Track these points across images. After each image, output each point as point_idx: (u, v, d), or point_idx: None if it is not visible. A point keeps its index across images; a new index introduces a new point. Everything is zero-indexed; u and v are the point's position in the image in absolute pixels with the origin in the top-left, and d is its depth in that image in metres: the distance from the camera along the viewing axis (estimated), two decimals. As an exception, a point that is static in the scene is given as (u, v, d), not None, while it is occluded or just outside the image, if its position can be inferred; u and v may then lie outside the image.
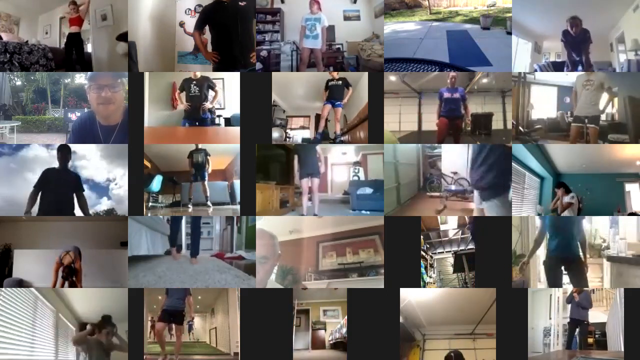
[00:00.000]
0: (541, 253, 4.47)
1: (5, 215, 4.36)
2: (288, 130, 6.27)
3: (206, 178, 5.30)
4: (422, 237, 4.34)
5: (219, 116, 5.68)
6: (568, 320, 4.44)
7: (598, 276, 4.58)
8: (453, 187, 5.56)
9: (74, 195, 4.42)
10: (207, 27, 4.92)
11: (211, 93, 5.39)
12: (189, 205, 5.33)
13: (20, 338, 4.13)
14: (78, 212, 4.41)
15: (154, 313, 4.69)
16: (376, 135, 4.34)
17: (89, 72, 4.55)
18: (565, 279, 4.40)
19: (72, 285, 4.25)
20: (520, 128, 4.86)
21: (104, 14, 5.15)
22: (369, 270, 4.56)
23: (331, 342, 4.74)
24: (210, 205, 5.36)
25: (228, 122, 5.55)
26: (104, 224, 4.52)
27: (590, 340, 4.42)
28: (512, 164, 4.29)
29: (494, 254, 4.20)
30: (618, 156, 4.63)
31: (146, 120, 4.56)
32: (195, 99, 5.30)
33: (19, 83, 5.23)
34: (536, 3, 4.66)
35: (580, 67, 4.67)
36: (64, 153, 4.44)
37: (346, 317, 4.24)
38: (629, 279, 4.33)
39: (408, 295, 4.25)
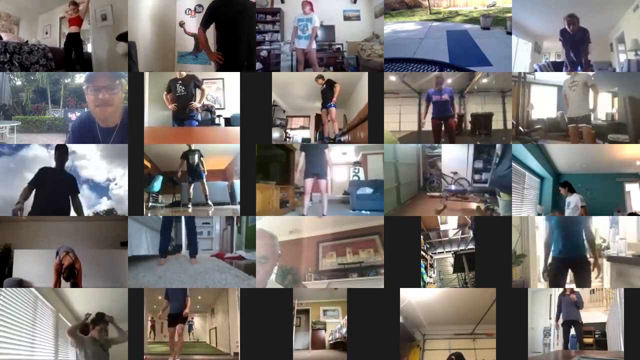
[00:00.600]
0: (542, 253, 4.47)
1: (5, 215, 4.36)
2: (288, 130, 6.27)
3: (204, 177, 5.29)
4: (422, 237, 4.34)
5: (219, 116, 5.67)
6: (562, 322, 4.44)
7: (601, 276, 4.58)
8: (453, 187, 5.56)
9: (69, 196, 4.41)
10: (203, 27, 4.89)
11: (198, 92, 5.34)
12: (189, 206, 5.33)
13: (20, 338, 4.13)
14: (73, 213, 4.39)
15: (154, 313, 4.70)
16: (376, 135, 4.34)
17: (86, 73, 4.54)
18: (569, 279, 4.40)
19: (74, 285, 4.24)
20: (520, 128, 4.86)
21: (104, 14, 5.15)
22: (369, 270, 4.55)
23: (331, 342, 4.74)
24: (211, 204, 5.36)
25: (228, 122, 5.54)
26: (104, 224, 4.52)
27: (589, 340, 4.42)
28: (512, 164, 4.29)
29: (494, 254, 4.20)
30: (618, 156, 4.63)
31: (146, 120, 4.56)
32: (182, 98, 5.26)
33: (19, 83, 5.23)
34: (536, 3, 4.66)
35: (579, 68, 4.67)
36: (62, 153, 4.42)
37: (346, 317, 4.24)
38: (629, 279, 4.33)
39: (408, 295, 4.25)
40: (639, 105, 4.50)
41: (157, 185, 5.30)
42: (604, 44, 4.93)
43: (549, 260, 4.44)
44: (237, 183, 4.39)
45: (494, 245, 4.21)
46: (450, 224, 4.80)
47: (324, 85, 5.20)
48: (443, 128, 5.01)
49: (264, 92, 4.35)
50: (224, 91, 5.78)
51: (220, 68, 4.81)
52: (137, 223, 4.51)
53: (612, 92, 4.74)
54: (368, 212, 4.92)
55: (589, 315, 4.44)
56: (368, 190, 5.21)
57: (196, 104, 5.31)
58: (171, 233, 4.77)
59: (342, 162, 6.04)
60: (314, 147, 5.25)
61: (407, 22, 5.86)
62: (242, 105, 4.33)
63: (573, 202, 4.56)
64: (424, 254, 4.48)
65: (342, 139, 5.80)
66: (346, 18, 5.96)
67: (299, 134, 6.29)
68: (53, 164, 4.43)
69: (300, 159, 5.17)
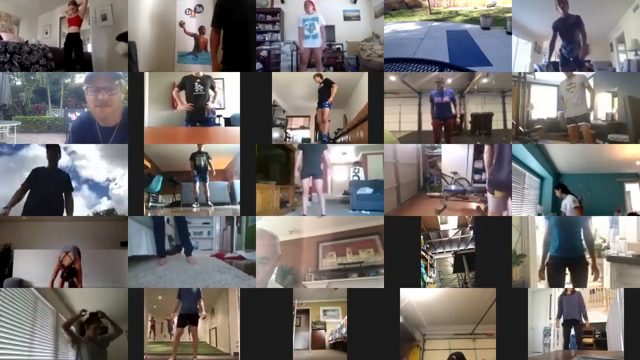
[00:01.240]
0: (541, 253, 4.47)
1: (5, 215, 4.36)
2: (288, 130, 6.27)
3: (207, 180, 5.33)
4: (422, 237, 4.34)
5: (219, 116, 5.68)
6: (562, 321, 4.44)
7: (600, 277, 4.58)
8: (453, 187, 5.56)
9: (63, 195, 4.40)
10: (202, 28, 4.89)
11: (211, 93, 5.34)
12: (194, 205, 5.35)
13: (20, 338, 4.13)
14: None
15: (154, 313, 4.70)
16: (376, 135, 4.34)
17: (86, 74, 4.54)
18: (567, 278, 4.39)
19: (73, 285, 4.25)
20: (520, 128, 4.86)
21: (104, 14, 5.15)
22: (369, 270, 4.55)
23: (331, 342, 4.74)
24: (212, 205, 5.36)
25: (228, 122, 5.55)
26: (104, 224, 4.52)
27: (589, 340, 4.42)
28: (512, 164, 4.29)
29: (494, 254, 4.20)
30: (618, 156, 4.63)
31: (146, 120, 4.56)
32: (200, 98, 5.22)
33: (19, 83, 5.23)
34: (536, 3, 4.66)
35: (575, 52, 4.64)
36: (53, 152, 4.41)
37: (346, 317, 4.24)
38: (629, 279, 4.33)
39: (408, 295, 4.25)
40: (639, 105, 4.50)
41: (156, 184, 5.31)
42: (604, 44, 4.93)
43: (547, 260, 4.44)
44: (237, 183, 4.39)
45: (494, 245, 4.21)
46: (450, 224, 4.80)
47: (322, 84, 5.19)
48: (443, 128, 5.02)
49: (264, 92, 4.34)
50: (224, 91, 5.78)
51: (226, 68, 4.78)
52: (137, 223, 4.51)
53: (612, 92, 4.74)
54: (368, 212, 4.92)
55: (589, 315, 4.43)
56: (368, 190, 5.21)
57: (211, 104, 5.27)
58: (164, 233, 4.76)
59: (342, 162, 6.04)
60: (310, 147, 5.25)
61: (407, 22, 5.86)
62: (242, 105, 4.33)
63: (567, 204, 4.57)
64: (424, 254, 4.48)
65: (342, 139, 5.81)
66: (346, 18, 5.96)
67: (299, 134, 6.29)
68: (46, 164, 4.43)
69: (297, 158, 5.18)
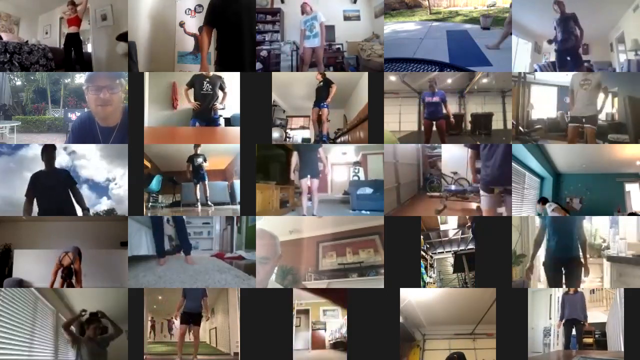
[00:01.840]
0: (542, 253, 4.47)
1: (5, 215, 4.36)
2: (288, 130, 6.27)
3: (206, 179, 5.32)
4: (422, 237, 4.34)
5: (219, 116, 5.68)
6: (564, 321, 4.44)
7: (598, 276, 4.58)
8: (453, 187, 5.56)
9: (69, 191, 4.39)
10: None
11: (220, 93, 5.29)
12: (196, 206, 5.35)
13: (20, 338, 4.13)
14: (77, 208, 4.38)
15: (154, 313, 4.69)
16: (376, 135, 4.34)
17: (87, 73, 4.53)
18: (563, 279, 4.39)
19: (71, 286, 4.24)
20: (520, 128, 4.86)
21: (104, 14, 5.15)
22: (369, 270, 4.55)
23: (331, 342, 4.74)
24: (212, 205, 5.37)
25: (228, 122, 5.54)
26: (104, 224, 4.52)
27: (589, 340, 4.42)
28: (512, 164, 4.29)
29: (494, 254, 4.20)
30: (618, 156, 4.62)
31: (146, 120, 4.56)
32: (208, 97, 5.17)
33: (19, 83, 5.23)
34: (536, 3, 4.66)
35: (571, 43, 4.64)
36: (49, 153, 4.39)
37: (346, 317, 4.24)
38: (629, 279, 4.33)
39: (408, 295, 4.25)
40: (639, 105, 4.50)
41: (155, 184, 5.31)
42: (604, 44, 4.93)
43: (542, 260, 4.44)
44: (237, 183, 4.38)
45: (494, 245, 4.21)
46: (450, 224, 4.80)
47: (321, 83, 5.18)
48: (432, 128, 5.05)
49: (264, 92, 4.34)
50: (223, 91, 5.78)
51: (220, 68, 4.78)
52: (137, 223, 4.51)
53: (612, 92, 4.73)
54: (368, 212, 4.92)
55: (589, 315, 4.43)
56: (368, 190, 5.21)
57: (219, 105, 5.24)
58: (164, 233, 4.76)
59: (342, 162, 6.04)
60: (307, 148, 5.25)
61: (407, 22, 5.86)
62: (242, 105, 4.33)
63: (547, 210, 4.57)
64: (424, 254, 4.48)
65: (342, 139, 5.81)
66: (346, 18, 5.96)
67: (299, 134, 6.30)
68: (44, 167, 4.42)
69: (293, 159, 5.18)
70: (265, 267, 4.00)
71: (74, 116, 5.06)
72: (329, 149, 5.86)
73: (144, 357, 4.27)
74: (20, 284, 4.32)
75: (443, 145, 5.36)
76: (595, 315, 4.46)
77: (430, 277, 4.66)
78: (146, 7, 5.43)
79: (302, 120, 6.42)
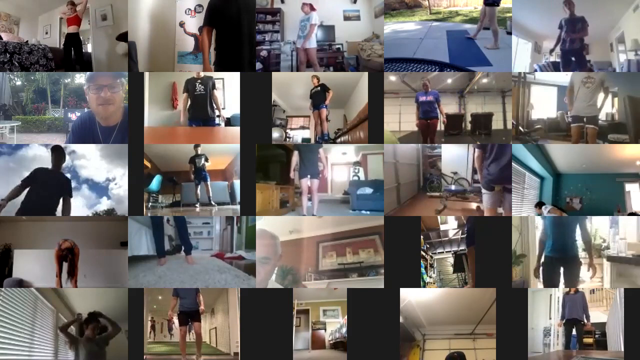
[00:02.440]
0: (537, 252, 4.47)
1: (5, 215, 4.36)
2: (288, 130, 6.28)
3: (208, 179, 5.33)
4: (422, 237, 4.34)
5: (218, 116, 5.68)
6: (564, 321, 4.44)
7: (598, 276, 4.58)
8: (453, 187, 5.56)
9: (61, 198, 4.38)
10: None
11: (215, 93, 5.31)
12: (196, 206, 5.35)
13: (20, 338, 4.13)
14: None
15: (154, 313, 4.70)
16: (376, 135, 4.33)
17: (88, 73, 4.54)
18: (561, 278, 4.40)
19: (72, 265, 4.25)
20: (520, 128, 4.86)
21: (104, 14, 5.15)
22: (369, 270, 4.55)
23: (331, 342, 4.74)
24: (215, 204, 5.37)
25: (228, 122, 5.55)
26: (104, 224, 4.52)
27: (589, 340, 4.42)
28: (512, 164, 4.29)
29: (494, 254, 4.20)
30: (618, 156, 4.62)
31: (146, 120, 4.56)
32: (201, 98, 5.21)
33: (19, 83, 5.23)
34: (536, 3, 4.67)
35: (576, 45, 4.63)
36: (58, 154, 4.40)
37: (346, 317, 4.24)
38: (629, 279, 4.33)
39: (408, 295, 4.25)
40: (639, 105, 4.50)
41: (155, 184, 5.31)
42: (604, 44, 4.93)
43: (542, 259, 4.44)
44: (237, 183, 4.38)
45: (494, 245, 4.21)
46: (450, 224, 4.80)
47: (318, 88, 5.19)
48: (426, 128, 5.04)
49: (264, 92, 4.34)
50: (224, 91, 5.79)
51: (218, 68, 4.78)
52: (137, 223, 4.51)
53: (612, 92, 4.73)
54: (368, 212, 4.92)
55: (586, 315, 4.44)
56: (368, 190, 5.21)
57: (216, 112, 5.27)
58: (163, 232, 4.76)
59: (342, 162, 6.04)
60: (308, 148, 5.26)
61: (407, 22, 5.86)
62: (242, 105, 4.33)
63: (544, 212, 4.57)
64: (424, 254, 4.48)
65: (342, 139, 5.80)
66: (346, 18, 5.96)
67: (299, 134, 6.30)
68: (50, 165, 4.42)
69: (293, 158, 5.18)
70: (265, 267, 4.01)
71: (74, 116, 5.06)
72: (329, 149, 5.86)
73: (144, 357, 4.27)
74: (20, 284, 4.32)
75: (443, 145, 5.36)
76: (595, 315, 4.46)
77: (430, 277, 4.66)
78: (146, 7, 5.43)
79: (302, 120, 6.42)
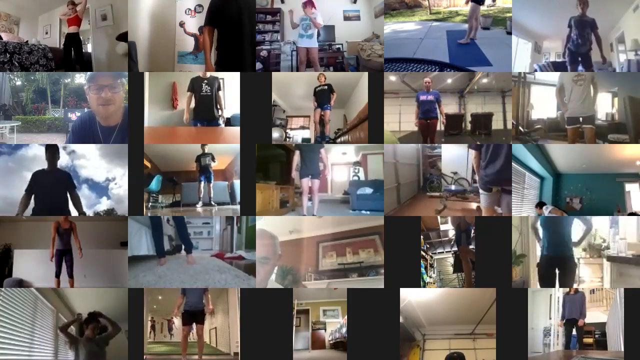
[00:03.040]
0: (538, 253, 4.47)
1: (5, 215, 4.36)
2: (288, 130, 6.28)
3: (212, 180, 5.34)
4: (422, 237, 4.34)
5: (219, 116, 5.68)
6: (564, 321, 4.44)
7: (598, 276, 4.58)
8: (453, 187, 5.56)
9: (67, 193, 4.39)
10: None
11: (220, 94, 5.29)
12: (198, 205, 5.35)
13: (20, 338, 4.13)
14: (73, 211, 4.37)
15: (154, 313, 4.69)
16: (376, 135, 4.34)
17: (88, 73, 4.53)
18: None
19: (68, 246, 4.31)
20: (520, 128, 4.86)
21: (104, 14, 5.16)
22: (369, 270, 4.55)
23: (331, 342, 4.74)
24: (215, 204, 5.37)
25: (228, 122, 5.55)
26: (104, 224, 4.52)
27: (589, 340, 4.42)
28: (512, 164, 4.29)
29: (494, 254, 4.20)
30: (618, 156, 4.62)
31: (146, 120, 4.56)
32: (207, 98, 5.16)
33: (19, 83, 5.23)
34: (536, 3, 4.67)
35: (585, 48, 4.63)
36: (52, 152, 4.40)
37: (346, 317, 4.24)
38: (629, 279, 4.33)
39: (408, 295, 4.25)
40: (639, 105, 4.50)
41: (155, 184, 5.31)
42: (604, 44, 4.93)
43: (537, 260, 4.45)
44: (237, 183, 4.39)
45: (494, 245, 4.21)
46: (450, 224, 4.79)
47: (325, 87, 5.20)
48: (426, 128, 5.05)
49: (264, 92, 4.34)
50: (224, 91, 5.78)
51: (219, 68, 4.78)
52: (137, 223, 4.51)
53: (612, 92, 4.73)
54: (368, 212, 4.92)
55: (589, 315, 4.43)
56: (368, 190, 5.21)
57: (220, 112, 5.24)
58: (163, 232, 4.76)
59: (342, 162, 6.04)
60: (309, 148, 5.26)
61: (407, 22, 5.86)
62: (242, 105, 4.33)
63: (545, 212, 4.57)
64: (424, 254, 4.48)
65: (342, 139, 5.80)
66: (346, 18, 5.96)
67: (299, 134, 6.30)
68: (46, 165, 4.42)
69: (294, 158, 5.18)
70: (265, 267, 4.01)
71: (74, 116, 5.06)
72: (329, 149, 5.86)
73: (144, 357, 4.27)
74: (20, 284, 4.32)
75: (443, 145, 5.36)
76: (595, 315, 4.46)
77: (430, 277, 4.66)
78: (146, 7, 5.43)
79: (302, 120, 6.42)
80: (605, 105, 4.74)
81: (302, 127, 6.39)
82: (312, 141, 5.62)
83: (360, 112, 4.97)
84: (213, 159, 5.34)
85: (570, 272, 4.37)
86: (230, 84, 5.32)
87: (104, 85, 4.13)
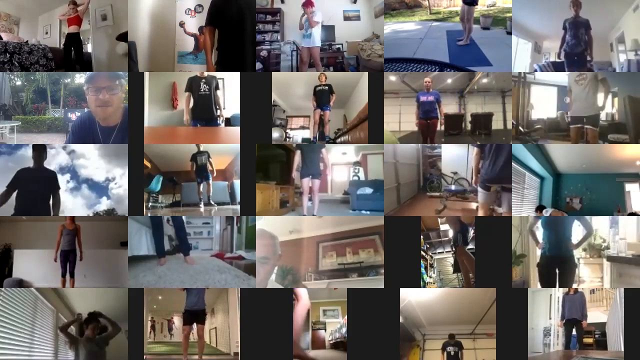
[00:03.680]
0: (538, 253, 4.47)
1: (5, 215, 4.35)
2: (288, 130, 6.28)
3: (210, 179, 5.33)
4: (422, 237, 4.34)
5: (218, 116, 5.67)
6: (564, 321, 4.44)
7: (598, 276, 4.58)
8: (453, 187, 5.56)
9: (50, 194, 4.37)
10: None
11: (219, 93, 5.28)
12: (199, 205, 5.35)
13: (20, 338, 4.13)
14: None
15: (154, 313, 4.69)
16: (376, 135, 4.34)
17: (87, 73, 4.53)
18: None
19: (73, 246, 4.33)
20: (520, 128, 4.86)
21: (104, 14, 5.16)
22: (369, 270, 4.56)
23: (331, 342, 4.74)
24: (214, 204, 5.37)
25: (228, 122, 5.55)
26: (104, 224, 4.52)
27: (589, 340, 4.42)
28: (512, 164, 4.29)
29: (494, 254, 4.20)
30: (618, 156, 4.62)
31: (146, 120, 4.56)
32: (205, 98, 5.16)
33: (19, 83, 5.23)
34: (536, 3, 4.67)
35: (579, 48, 4.63)
36: (39, 152, 4.39)
37: (346, 317, 4.24)
38: (629, 279, 4.33)
39: (408, 295, 4.25)
40: (639, 105, 4.50)
41: (155, 184, 5.31)
42: (604, 44, 4.93)
43: (537, 260, 4.45)
44: (237, 183, 4.39)
45: (494, 245, 4.21)
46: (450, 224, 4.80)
47: (325, 87, 5.20)
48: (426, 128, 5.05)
49: (264, 92, 4.34)
50: (224, 91, 5.79)
51: (220, 68, 4.78)
52: (137, 223, 4.51)
53: (612, 92, 4.73)
54: (368, 212, 4.92)
55: (589, 315, 4.43)
56: (368, 190, 5.21)
57: (219, 111, 5.24)
58: (163, 232, 4.75)
59: (342, 162, 6.04)
60: (310, 148, 5.26)
61: (407, 22, 5.86)
62: (242, 105, 4.33)
63: (545, 214, 4.58)
64: (424, 254, 4.48)
65: (342, 139, 5.80)
66: (346, 18, 5.96)
67: (299, 134, 6.30)
68: (52, 164, 4.42)
69: (295, 158, 5.18)
70: (265, 267, 4.00)
71: (74, 116, 5.06)
72: (329, 149, 5.86)
73: (144, 357, 4.27)
74: (20, 284, 4.32)
75: (443, 145, 5.36)
76: (595, 315, 4.46)
77: (430, 277, 4.66)
78: (146, 7, 5.43)
79: (302, 120, 6.42)
80: (606, 104, 4.74)
81: (302, 127, 6.39)
82: (316, 141, 5.61)
83: (360, 112, 4.97)
84: (209, 157, 5.32)
85: (570, 272, 4.37)
86: (231, 84, 5.33)
87: (102, 87, 4.11)
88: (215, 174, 5.40)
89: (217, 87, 5.21)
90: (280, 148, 5.82)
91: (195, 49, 5.60)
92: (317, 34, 5.08)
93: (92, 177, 4.50)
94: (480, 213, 4.39)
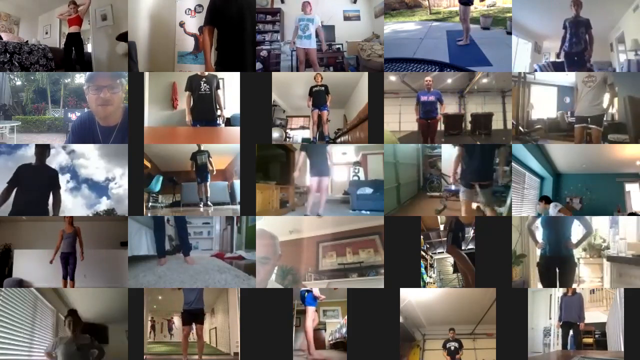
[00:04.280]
0: (536, 253, 4.47)
1: (4, 214, 4.35)
2: (288, 130, 6.27)
3: (209, 180, 5.32)
4: (422, 237, 4.34)
5: (219, 116, 5.67)
6: (561, 322, 4.44)
7: (598, 276, 4.58)
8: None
9: (51, 192, 4.37)
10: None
11: (220, 93, 5.27)
12: (199, 205, 5.35)
13: (20, 338, 4.13)
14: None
15: (154, 313, 4.69)
16: (376, 135, 4.34)
17: (87, 73, 4.53)
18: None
19: (73, 248, 4.31)
20: (520, 128, 4.86)
21: (104, 14, 5.16)
22: (369, 270, 4.55)
23: (331, 342, 4.74)
24: (211, 205, 5.36)
25: (228, 122, 5.54)
26: (104, 224, 4.52)
27: (589, 340, 4.42)
28: (512, 164, 4.29)
29: (494, 254, 4.20)
30: (618, 156, 4.63)
31: (146, 120, 4.56)
32: (206, 97, 5.14)
33: (19, 83, 5.23)
34: (536, 3, 4.67)
35: (578, 47, 4.63)
36: (42, 149, 4.40)
37: (346, 317, 4.24)
38: (629, 279, 4.33)
39: (408, 295, 4.25)
40: (639, 105, 4.50)
41: (155, 184, 5.30)
42: (604, 44, 4.93)
43: (537, 260, 4.45)
44: (237, 183, 4.39)
45: (494, 245, 4.21)
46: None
47: (322, 88, 5.19)
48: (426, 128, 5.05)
49: (264, 92, 4.35)
50: (224, 91, 5.78)
51: (220, 68, 4.77)
52: (137, 223, 4.51)
53: (614, 89, 4.73)
54: (368, 212, 4.92)
55: (589, 315, 4.43)
56: (368, 190, 5.20)
57: (219, 112, 5.21)
58: (164, 233, 4.75)
59: (342, 162, 6.03)
60: (316, 148, 5.25)
61: (407, 22, 5.86)
62: (242, 105, 4.33)
63: (551, 212, 4.56)
64: (424, 254, 4.48)
65: (342, 139, 5.80)
66: (346, 18, 5.96)
67: (299, 134, 6.29)
68: (52, 163, 4.41)
69: (299, 158, 5.16)
70: (265, 267, 4.01)
71: (74, 116, 5.06)
72: (331, 147, 5.85)
73: (144, 357, 4.27)
74: (20, 284, 4.32)
75: (443, 145, 5.35)
76: (595, 315, 4.46)
77: (430, 277, 4.66)
78: (146, 7, 5.43)
79: (302, 120, 6.41)
80: (612, 104, 4.73)
81: (302, 127, 6.38)
82: (316, 141, 5.61)
83: (360, 112, 4.97)
84: (209, 157, 5.31)
85: (570, 272, 4.37)
86: (230, 84, 5.33)
87: (103, 85, 4.12)
88: (215, 173, 5.39)
89: (217, 87, 5.20)
90: (280, 148, 5.80)
91: (195, 49, 5.60)
92: (314, 35, 5.09)
93: (92, 177, 4.50)
94: (463, 210, 4.43)
